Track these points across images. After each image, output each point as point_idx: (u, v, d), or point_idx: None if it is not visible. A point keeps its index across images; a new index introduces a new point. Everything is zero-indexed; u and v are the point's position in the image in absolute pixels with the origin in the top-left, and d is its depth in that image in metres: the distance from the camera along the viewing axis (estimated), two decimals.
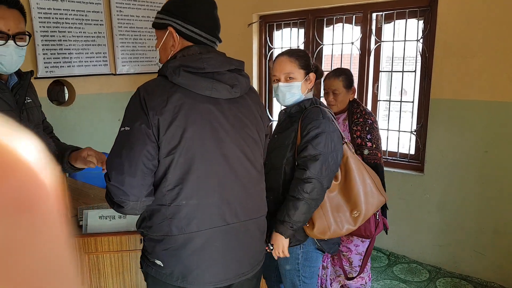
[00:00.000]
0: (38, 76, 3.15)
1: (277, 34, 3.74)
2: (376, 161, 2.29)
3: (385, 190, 2.30)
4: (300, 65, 1.80)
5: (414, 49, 3.11)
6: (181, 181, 1.32)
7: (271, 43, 3.74)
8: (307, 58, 1.84)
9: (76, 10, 3.33)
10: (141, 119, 1.26)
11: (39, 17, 3.12)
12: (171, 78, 1.31)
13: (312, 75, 1.82)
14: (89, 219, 1.89)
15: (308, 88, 1.83)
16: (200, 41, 1.37)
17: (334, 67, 3.46)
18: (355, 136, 2.32)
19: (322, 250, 1.93)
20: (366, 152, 2.27)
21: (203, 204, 1.34)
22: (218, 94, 1.34)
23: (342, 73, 2.39)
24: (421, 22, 3.05)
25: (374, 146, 2.29)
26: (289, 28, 3.62)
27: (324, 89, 2.44)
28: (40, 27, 3.13)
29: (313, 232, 1.79)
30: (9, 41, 1.60)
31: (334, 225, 1.79)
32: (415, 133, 3.21)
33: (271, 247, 1.72)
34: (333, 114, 1.92)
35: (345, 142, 1.84)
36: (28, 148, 0.25)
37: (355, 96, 2.48)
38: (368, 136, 2.29)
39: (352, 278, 2.42)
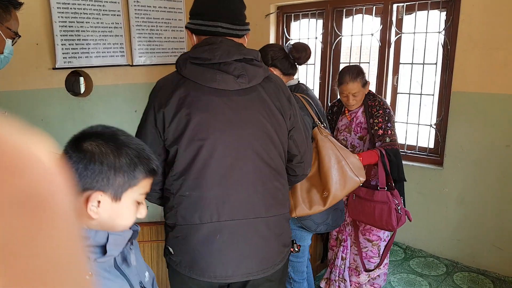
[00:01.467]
0: (56, 66, 3.15)
1: (294, 25, 3.69)
2: (397, 147, 2.31)
3: (405, 178, 2.35)
4: None
5: (435, 41, 3.05)
6: (184, 172, 1.34)
7: (289, 34, 3.70)
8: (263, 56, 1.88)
9: (94, 1, 3.32)
10: (150, 116, 1.35)
11: (57, 7, 3.11)
12: (179, 71, 1.34)
13: (270, 69, 1.91)
14: None
15: None
16: (211, 32, 1.36)
17: (353, 59, 3.44)
18: (376, 128, 2.31)
19: (308, 228, 2.02)
20: (388, 140, 2.28)
21: (205, 196, 1.34)
22: (224, 85, 1.31)
23: (358, 74, 2.31)
24: (443, 13, 2.98)
25: (393, 133, 2.31)
26: (307, 19, 3.57)
27: (341, 93, 2.37)
28: (58, 17, 3.13)
29: None
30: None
31: (302, 205, 1.90)
32: (434, 127, 3.16)
33: (296, 249, 1.70)
34: (312, 102, 2.01)
35: (317, 126, 1.94)
36: (41, 146, 0.25)
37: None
38: (389, 125, 2.31)
39: (371, 270, 2.41)
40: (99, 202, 0.89)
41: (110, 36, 3.46)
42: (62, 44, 3.18)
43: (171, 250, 1.42)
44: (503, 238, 2.91)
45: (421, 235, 3.28)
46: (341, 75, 2.35)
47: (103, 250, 0.91)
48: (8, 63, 1.86)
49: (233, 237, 1.37)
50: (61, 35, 3.17)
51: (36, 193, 0.23)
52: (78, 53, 3.29)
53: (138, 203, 0.96)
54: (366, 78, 2.37)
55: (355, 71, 2.32)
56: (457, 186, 3.06)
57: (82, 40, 3.30)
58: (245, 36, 1.46)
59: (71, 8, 3.19)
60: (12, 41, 1.77)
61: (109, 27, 3.44)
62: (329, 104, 3.21)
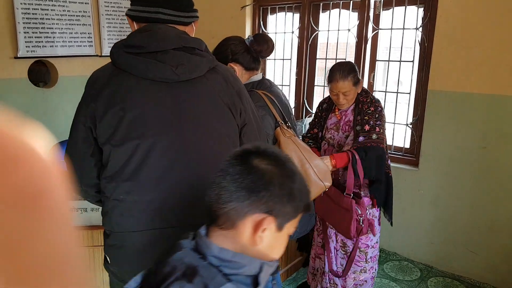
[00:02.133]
0: (18, 55, 3.00)
1: (271, 18, 3.58)
2: (382, 146, 2.19)
3: (391, 177, 2.27)
4: None
5: (412, 38, 2.96)
6: (119, 173, 1.21)
7: (265, 27, 3.59)
8: (218, 55, 1.82)
9: None
10: (81, 111, 1.22)
11: None
12: (113, 61, 1.21)
13: (232, 65, 1.84)
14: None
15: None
16: (151, 19, 1.24)
17: (329, 55, 3.34)
18: (363, 123, 2.18)
19: None
20: (374, 136, 2.15)
21: (141, 201, 1.21)
22: (162, 76, 1.18)
23: (350, 72, 2.17)
24: (421, 9, 2.90)
25: (381, 131, 2.18)
26: (284, 13, 3.46)
27: (331, 91, 2.23)
28: (21, 3, 2.97)
29: None
30: None
31: None
32: (410, 126, 3.09)
33: None
34: (276, 100, 1.87)
35: (280, 126, 1.81)
36: (36, 138, 0.25)
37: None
38: (378, 122, 2.18)
39: (339, 277, 2.32)
40: (264, 228, 0.82)
41: (77, 25, 3.31)
42: (25, 32, 3.02)
43: (108, 259, 1.30)
44: (477, 242, 2.84)
45: (396, 237, 3.20)
46: (331, 72, 2.21)
47: (253, 280, 0.82)
48: None
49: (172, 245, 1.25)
50: (23, 23, 3.01)
51: (32, 187, 0.23)
52: (42, 42, 3.13)
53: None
54: (359, 76, 2.24)
55: (347, 69, 2.17)
56: (432, 188, 2.99)
57: (47, 28, 3.15)
58: (192, 24, 1.34)
59: None
60: None
61: (76, 16, 3.29)
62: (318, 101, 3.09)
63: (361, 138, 2.16)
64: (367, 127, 2.17)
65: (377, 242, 2.37)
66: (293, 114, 3.51)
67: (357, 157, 2.09)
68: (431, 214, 3.02)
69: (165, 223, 1.23)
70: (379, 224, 2.38)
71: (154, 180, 1.21)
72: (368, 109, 2.20)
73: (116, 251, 1.26)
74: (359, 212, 2.09)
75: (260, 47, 1.87)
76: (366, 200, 2.27)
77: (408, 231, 3.14)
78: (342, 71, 2.16)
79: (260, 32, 3.57)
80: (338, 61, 3.28)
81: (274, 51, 3.54)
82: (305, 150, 1.87)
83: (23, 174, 0.23)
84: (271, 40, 1.91)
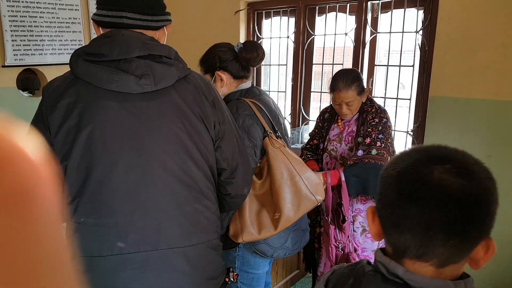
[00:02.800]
0: (6, 64, 2.93)
1: (266, 23, 3.47)
2: (382, 163, 2.03)
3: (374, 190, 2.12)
4: (203, 71, 1.83)
5: (412, 42, 2.83)
6: (78, 194, 1.11)
7: (260, 32, 3.48)
8: (206, 62, 1.81)
9: None
10: (38, 122, 1.12)
11: (7, 1, 2.89)
12: (72, 70, 1.10)
13: (219, 74, 1.78)
14: None
15: (222, 86, 1.79)
16: (115, 24, 1.13)
17: (326, 60, 3.22)
18: (365, 135, 2.05)
19: (262, 253, 1.77)
20: (374, 152, 2.01)
21: (103, 224, 1.11)
22: (124, 87, 1.08)
23: (354, 81, 2.03)
24: (421, 12, 2.77)
25: (383, 145, 2.04)
26: (279, 17, 3.35)
27: (334, 101, 2.10)
28: (8, 11, 2.90)
29: (229, 235, 1.68)
30: None
31: (250, 229, 1.66)
32: (411, 133, 2.95)
33: (232, 279, 1.47)
34: (265, 108, 1.77)
35: (268, 136, 1.71)
36: (26, 140, 0.25)
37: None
38: (380, 136, 2.04)
39: None
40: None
41: (67, 32, 3.23)
42: (12, 40, 2.95)
43: None
44: None
45: None
46: (334, 80, 2.07)
47: None
48: None
49: (141, 272, 1.13)
50: (11, 31, 2.94)
51: (20, 188, 0.23)
52: (31, 50, 3.06)
53: None
54: (364, 85, 2.10)
55: (350, 77, 2.04)
56: None
57: (36, 36, 3.07)
58: (164, 28, 1.24)
59: (22, 1, 2.97)
60: None
61: (66, 23, 3.22)
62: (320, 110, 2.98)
63: (360, 152, 2.02)
64: (368, 140, 2.03)
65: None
66: (290, 121, 3.40)
67: (342, 177, 1.97)
68: None
69: (131, 248, 1.12)
70: None
71: (118, 201, 1.11)
72: (372, 120, 2.07)
73: (83, 276, 1.17)
74: (339, 238, 1.96)
75: (249, 55, 1.76)
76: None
77: None
78: (345, 79, 2.03)
79: (255, 37, 3.47)
80: (335, 65, 3.17)
81: (269, 56, 3.45)
82: (295, 162, 1.74)
83: (11, 175, 0.23)
84: (261, 48, 1.80)
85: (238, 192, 1.38)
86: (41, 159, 0.25)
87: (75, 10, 3.24)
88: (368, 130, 2.05)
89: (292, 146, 3.05)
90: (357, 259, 2.21)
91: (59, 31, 3.18)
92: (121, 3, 1.14)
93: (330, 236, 1.97)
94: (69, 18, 3.22)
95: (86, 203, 1.12)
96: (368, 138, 2.03)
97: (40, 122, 1.13)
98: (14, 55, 2.97)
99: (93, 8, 3.34)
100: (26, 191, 0.23)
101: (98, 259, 1.13)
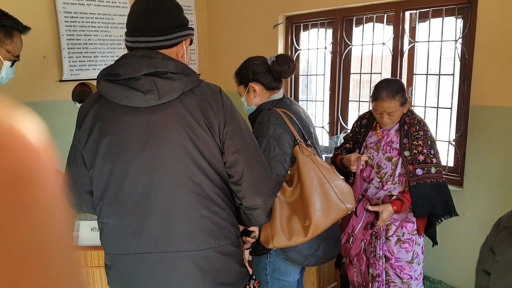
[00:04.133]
0: (63, 79, 3.20)
1: (304, 35, 3.55)
2: (442, 180, 2.06)
3: (455, 208, 2.15)
4: (238, 83, 1.91)
5: (452, 50, 2.80)
6: (101, 198, 1.28)
7: (298, 44, 3.56)
8: (240, 74, 1.90)
9: (102, 14, 3.36)
10: (75, 136, 1.31)
11: (65, 21, 3.17)
12: (97, 88, 1.27)
13: (252, 85, 1.85)
14: (80, 230, 1.83)
15: (255, 97, 1.87)
16: (133, 48, 1.27)
17: (364, 69, 3.24)
18: (416, 151, 2.05)
19: (293, 261, 1.80)
20: (433, 170, 2.02)
21: (120, 225, 1.26)
22: (134, 102, 1.21)
23: (398, 92, 2.03)
24: (459, 20, 2.74)
25: (438, 162, 2.06)
26: (316, 29, 3.42)
27: (375, 110, 2.11)
28: (66, 30, 3.18)
29: (260, 241, 1.72)
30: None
31: (281, 235, 1.69)
32: (453, 143, 2.89)
33: (253, 286, 1.49)
34: (295, 117, 1.82)
35: (298, 144, 1.75)
36: (27, 126, 0.25)
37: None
38: (432, 152, 2.05)
39: None
40: None
41: (118, 48, 3.48)
42: (69, 57, 3.23)
43: (108, 280, 1.37)
44: None
45: (441, 264, 2.99)
46: (376, 89, 2.07)
47: None
48: (9, 80, 1.94)
49: (152, 272, 1.25)
50: (68, 48, 3.22)
51: (20, 171, 0.23)
52: (86, 65, 3.32)
53: None
54: (407, 95, 2.09)
55: (395, 88, 2.03)
56: (479, 211, 2.76)
57: (90, 53, 3.34)
58: (182, 43, 1.32)
59: (79, 22, 3.24)
60: (11, 64, 1.85)
61: (118, 40, 3.46)
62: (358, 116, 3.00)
63: (419, 171, 2.03)
64: (421, 158, 2.04)
65: (420, 274, 2.21)
66: (328, 130, 3.44)
67: (408, 203, 2.06)
68: (479, 239, 2.76)
69: (143, 248, 1.25)
70: (423, 253, 2.23)
71: (131, 205, 1.24)
72: (417, 133, 2.06)
73: (108, 271, 1.34)
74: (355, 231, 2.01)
75: (280, 67, 1.85)
76: (410, 226, 2.15)
77: (454, 257, 2.92)
78: (390, 90, 2.02)
79: (293, 49, 3.55)
80: (373, 74, 3.18)
81: (308, 67, 3.52)
82: (325, 170, 1.77)
83: (11, 159, 0.23)
84: (292, 61, 1.88)
85: (249, 201, 1.34)
86: (41, 144, 0.26)
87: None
88: (414, 143, 2.05)
89: (329, 155, 3.09)
90: (381, 268, 2.21)
91: (111, 48, 3.44)
92: (134, 29, 1.26)
93: (350, 224, 2.00)
94: (120, 36, 3.46)
95: (108, 205, 1.27)
96: (421, 155, 2.03)
97: (75, 136, 1.31)
98: (70, 70, 3.25)
99: None
100: (26, 175, 0.24)
101: (118, 257, 1.28)
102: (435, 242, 2.30)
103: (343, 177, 2.01)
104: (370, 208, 2.03)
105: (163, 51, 1.27)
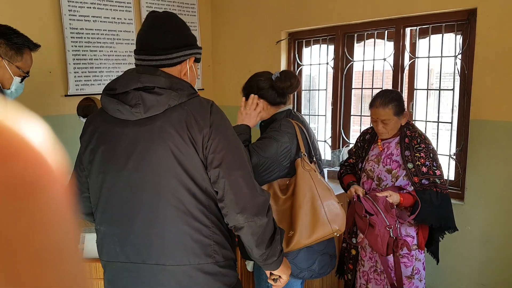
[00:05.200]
0: (68, 94, 3.25)
1: (306, 51, 3.61)
2: (447, 192, 2.09)
3: (455, 222, 2.16)
4: (244, 98, 1.93)
5: (451, 66, 2.84)
6: (96, 205, 1.34)
7: (300, 59, 3.62)
8: (246, 90, 1.94)
9: (108, 30, 3.42)
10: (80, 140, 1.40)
11: (71, 37, 3.23)
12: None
13: (256, 99, 1.88)
14: (86, 242, 1.85)
15: (259, 111, 1.88)
16: (137, 64, 1.36)
17: (365, 84, 3.29)
18: (419, 163, 2.08)
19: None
20: (438, 181, 2.07)
21: (109, 233, 1.31)
22: (124, 115, 1.27)
23: (392, 101, 2.10)
24: (459, 36, 2.79)
25: (442, 174, 2.10)
26: (318, 45, 3.48)
27: (371, 117, 2.19)
28: (72, 46, 3.24)
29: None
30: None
31: None
32: (454, 157, 2.92)
33: None
34: (306, 131, 1.87)
35: (301, 157, 1.80)
36: (34, 132, 0.25)
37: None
38: (435, 164, 2.09)
39: None
40: None
41: (123, 64, 3.53)
42: (74, 72, 3.28)
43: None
44: None
45: (443, 278, 2.98)
46: (373, 97, 2.19)
47: None
48: (18, 95, 2.00)
49: (135, 282, 1.29)
50: (73, 63, 3.27)
51: (25, 178, 0.23)
52: (91, 80, 3.37)
53: None
54: (405, 107, 2.15)
55: (389, 97, 2.12)
56: (480, 224, 2.77)
57: (95, 68, 3.39)
58: (186, 61, 1.36)
59: (84, 38, 3.30)
60: (21, 79, 1.91)
61: (123, 55, 3.52)
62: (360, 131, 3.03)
63: (425, 181, 2.08)
64: (424, 169, 2.08)
65: None
66: (330, 144, 3.47)
67: (413, 198, 2.06)
68: (481, 254, 2.79)
69: (125, 257, 1.29)
70: (424, 269, 2.24)
71: (117, 214, 1.30)
72: (418, 145, 2.11)
73: (104, 276, 1.39)
74: (387, 223, 1.99)
75: (283, 84, 1.88)
76: (409, 240, 2.16)
77: (455, 271, 2.92)
78: (384, 98, 2.11)
79: (295, 64, 3.61)
80: (374, 90, 3.23)
81: (310, 82, 3.57)
82: (321, 187, 1.78)
83: (19, 167, 0.23)
84: (295, 77, 1.92)
85: (231, 219, 1.28)
86: (48, 150, 0.25)
87: (131, 44, 3.54)
88: (416, 155, 2.08)
89: (331, 169, 3.11)
90: (383, 283, 2.21)
91: (116, 63, 3.49)
92: (140, 48, 1.34)
93: (378, 221, 1.98)
94: (125, 52, 3.52)
95: (100, 213, 1.33)
96: (424, 167, 2.07)
97: (80, 153, 1.39)
98: (76, 85, 3.29)
99: None
100: (32, 182, 0.24)
101: (108, 264, 1.34)
102: (437, 260, 2.30)
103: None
104: (379, 194, 2.04)
105: (166, 69, 1.32)
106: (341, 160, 3.30)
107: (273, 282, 1.50)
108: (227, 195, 1.26)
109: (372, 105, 2.15)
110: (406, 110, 2.17)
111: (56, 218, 0.25)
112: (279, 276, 1.47)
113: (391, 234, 2.00)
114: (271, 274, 1.48)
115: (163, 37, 1.33)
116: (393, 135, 2.19)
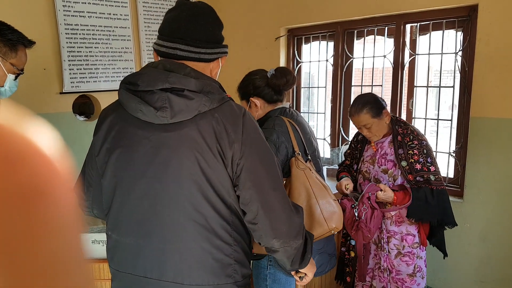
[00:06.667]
0: (63, 91, 3.19)
1: (305, 47, 3.58)
2: (443, 187, 2.07)
3: (454, 218, 2.14)
4: (240, 98, 1.91)
5: (452, 63, 2.83)
6: (108, 209, 1.22)
7: (299, 56, 3.59)
8: (241, 89, 1.90)
9: (104, 26, 3.36)
10: (92, 142, 1.27)
11: (66, 33, 3.16)
12: (118, 95, 1.21)
13: (253, 100, 1.85)
14: (91, 242, 1.80)
15: (257, 111, 1.87)
16: (169, 54, 1.18)
17: (365, 82, 3.27)
18: (412, 161, 2.06)
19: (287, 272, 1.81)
20: (433, 178, 2.05)
21: (121, 242, 1.19)
22: (147, 117, 1.12)
23: (365, 105, 2.06)
24: (459, 33, 2.77)
25: (437, 170, 2.08)
26: (318, 41, 3.45)
27: (355, 125, 2.18)
28: (66, 43, 3.18)
29: None
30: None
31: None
32: (453, 155, 2.91)
33: None
34: (299, 128, 1.84)
35: (295, 156, 1.76)
36: (42, 137, 0.25)
37: (392, 114, 2.21)
38: (429, 160, 2.06)
39: None
40: None
41: (119, 60, 3.48)
42: (69, 69, 3.22)
43: None
44: None
45: (442, 275, 2.98)
46: (350, 106, 2.16)
47: None
48: (12, 93, 1.94)
49: None
50: (68, 60, 3.21)
51: (32, 184, 0.23)
52: (86, 77, 3.31)
53: None
54: (383, 107, 2.10)
55: (362, 102, 2.08)
56: (479, 221, 2.77)
57: (91, 65, 3.33)
58: (219, 59, 1.24)
59: (79, 34, 3.24)
60: (15, 77, 1.85)
61: (119, 52, 3.46)
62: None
63: (419, 179, 2.07)
64: (418, 166, 2.06)
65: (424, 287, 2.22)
66: (329, 142, 3.45)
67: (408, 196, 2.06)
68: (480, 250, 2.79)
69: (140, 271, 1.17)
70: (425, 266, 2.23)
71: (132, 224, 1.17)
72: (411, 142, 2.08)
73: (111, 283, 1.28)
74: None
75: (279, 81, 1.82)
76: (410, 238, 2.15)
77: (454, 268, 2.92)
78: (357, 104, 2.09)
79: (295, 61, 3.58)
80: (374, 87, 3.21)
81: (309, 79, 3.54)
82: (316, 186, 1.75)
83: (26, 172, 0.23)
84: (290, 74, 1.87)
85: (266, 242, 1.20)
86: (55, 155, 0.25)
87: (127, 40, 3.49)
88: (410, 152, 2.06)
89: (331, 167, 3.09)
90: (386, 281, 2.21)
91: (112, 60, 3.43)
92: (176, 35, 1.16)
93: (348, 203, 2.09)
94: (121, 48, 3.46)
95: (112, 218, 1.21)
96: (418, 164, 2.05)
97: (92, 141, 1.25)
98: (71, 82, 3.23)
99: (144, 39, 3.58)
100: (38, 188, 0.24)
101: (118, 273, 1.22)
102: (445, 254, 2.29)
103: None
104: (379, 187, 2.08)
105: (200, 63, 1.19)
106: (340, 158, 3.29)
107: (298, 279, 1.48)
108: (261, 219, 1.16)
109: (350, 114, 2.14)
110: (385, 108, 2.12)
111: (62, 224, 0.25)
112: (305, 274, 1.44)
113: (356, 216, 2.08)
114: (297, 272, 1.44)
115: (205, 29, 1.18)
116: (385, 135, 2.17)
